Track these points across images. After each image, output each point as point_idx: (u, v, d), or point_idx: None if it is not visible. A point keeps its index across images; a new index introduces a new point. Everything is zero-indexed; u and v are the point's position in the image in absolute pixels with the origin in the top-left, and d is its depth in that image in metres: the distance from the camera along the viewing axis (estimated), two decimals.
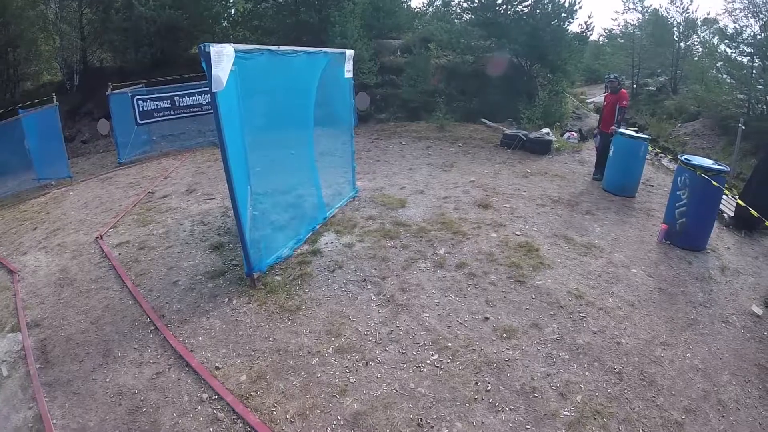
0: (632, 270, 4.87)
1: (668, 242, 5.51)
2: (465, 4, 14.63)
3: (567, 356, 3.52)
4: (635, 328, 3.90)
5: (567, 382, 3.26)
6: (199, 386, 3.36)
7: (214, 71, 3.60)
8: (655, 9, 21.45)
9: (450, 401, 3.09)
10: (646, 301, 4.33)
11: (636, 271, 4.85)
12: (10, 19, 13.06)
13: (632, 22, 22.17)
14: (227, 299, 4.46)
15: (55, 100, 10.17)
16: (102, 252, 5.85)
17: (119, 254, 5.69)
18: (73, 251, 6.04)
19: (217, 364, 3.57)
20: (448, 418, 2.97)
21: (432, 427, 2.91)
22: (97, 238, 6.29)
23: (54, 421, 3.20)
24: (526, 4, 13.02)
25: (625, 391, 3.21)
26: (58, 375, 3.68)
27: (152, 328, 4.12)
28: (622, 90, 7.72)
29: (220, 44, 3.65)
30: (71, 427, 3.14)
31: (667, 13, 20.60)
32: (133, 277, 5.08)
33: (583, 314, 4.03)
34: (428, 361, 3.47)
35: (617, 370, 3.41)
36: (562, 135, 11.02)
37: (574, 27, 20.77)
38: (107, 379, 3.54)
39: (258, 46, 4.29)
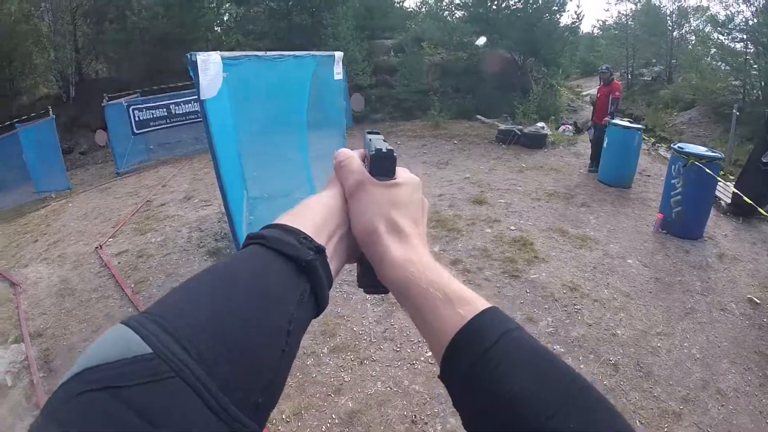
0: (628, 261, 4.88)
1: (664, 232, 5.51)
2: (458, 1, 14.69)
3: (562, 349, 3.54)
4: (631, 319, 3.91)
5: None
6: None
7: (201, 79, 3.63)
8: None
9: (444, 397, 3.09)
10: (642, 291, 4.34)
11: (632, 262, 4.85)
12: (4, 33, 13.12)
13: (625, 13, 22.16)
14: None
15: (51, 112, 10.22)
16: (102, 262, 5.89)
17: (118, 263, 5.73)
18: (73, 262, 6.09)
19: None
20: (442, 414, 2.99)
21: (426, 423, 2.93)
22: (96, 248, 6.33)
23: None
24: None
25: (622, 383, 3.22)
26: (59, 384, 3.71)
27: None
28: (615, 81, 7.73)
29: (206, 53, 3.68)
30: None
31: (660, 2, 20.58)
32: (133, 285, 5.12)
33: (578, 306, 4.04)
34: (422, 358, 3.49)
35: (613, 361, 3.42)
36: (557, 128, 11.03)
37: (565, 19, 20.76)
38: None
39: (245, 53, 4.33)
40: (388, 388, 3.23)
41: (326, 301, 0.41)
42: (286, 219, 0.44)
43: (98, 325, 4.45)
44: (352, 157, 0.53)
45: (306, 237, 0.41)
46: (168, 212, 7.45)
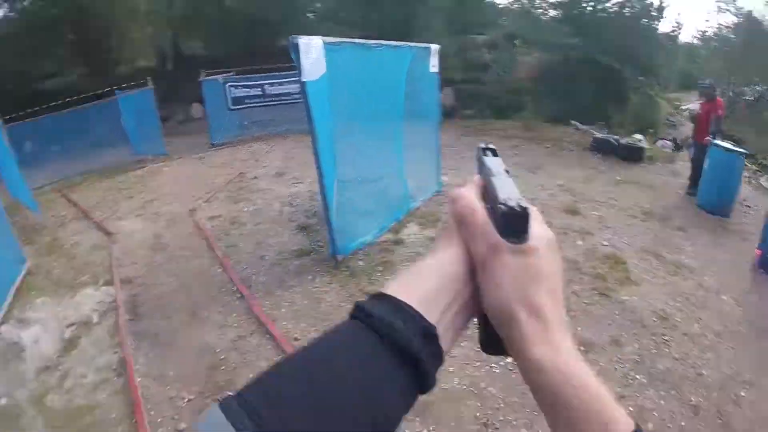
0: (722, 296, 4.48)
1: (762, 271, 5.00)
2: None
3: (644, 380, 3.34)
4: (719, 360, 3.58)
5: (641, 408, 3.08)
6: (278, 353, 3.55)
7: (303, 62, 3.77)
8: (749, 11, 18.85)
9: (518, 406, 3.06)
10: (733, 332, 3.95)
11: (726, 299, 4.45)
12: (102, 10, 13.89)
13: (726, 25, 19.99)
14: (311, 277, 4.67)
15: (151, 83, 10.87)
16: (195, 223, 6.30)
17: (211, 227, 6.11)
18: (167, 220, 6.57)
19: (296, 336, 3.77)
20: (515, 423, 2.95)
21: (497, 428, 2.90)
22: (190, 210, 6.79)
23: (137, 366, 3.55)
24: (614, 1, 12.43)
25: (699, 427, 2.97)
26: (145, 327, 4.07)
27: (238, 295, 4.44)
28: (718, 98, 7.15)
29: (308, 36, 3.83)
30: (152, 375, 3.47)
31: (763, 16, 18.29)
32: (223, 248, 5.45)
33: (666, 337, 3.80)
34: (501, 363, 3.42)
35: (694, 403, 3.15)
36: (654, 143, 10.36)
37: (663, 27, 19.16)
38: (191, 337, 3.87)
39: (345, 39, 4.44)
40: (464, 387, 3.23)
41: (433, 385, 0.38)
42: (396, 287, 0.40)
43: (187, 281, 4.81)
44: (476, 209, 0.46)
45: (414, 316, 0.38)
46: (260, 186, 7.83)
